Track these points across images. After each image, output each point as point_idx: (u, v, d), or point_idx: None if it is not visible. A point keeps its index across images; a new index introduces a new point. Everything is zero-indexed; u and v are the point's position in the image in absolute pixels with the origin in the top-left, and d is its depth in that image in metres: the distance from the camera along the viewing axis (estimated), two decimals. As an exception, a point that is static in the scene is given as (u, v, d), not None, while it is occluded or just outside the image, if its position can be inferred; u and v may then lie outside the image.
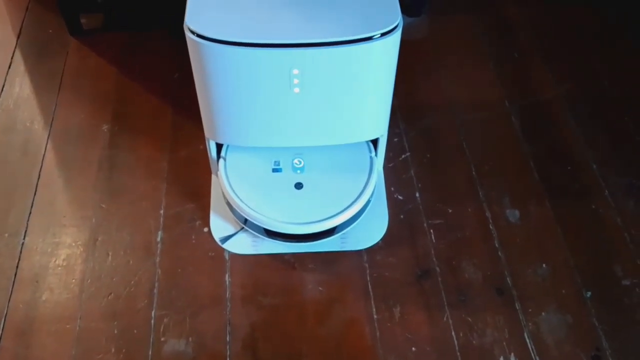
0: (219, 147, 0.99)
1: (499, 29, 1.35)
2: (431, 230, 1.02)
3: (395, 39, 0.81)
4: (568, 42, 1.32)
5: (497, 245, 1.00)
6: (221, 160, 0.98)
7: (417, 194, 1.07)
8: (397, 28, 0.80)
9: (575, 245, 1.00)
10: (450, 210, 1.04)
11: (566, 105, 1.20)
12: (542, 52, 1.30)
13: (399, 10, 0.81)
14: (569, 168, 1.10)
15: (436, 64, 1.28)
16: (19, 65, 1.28)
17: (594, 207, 1.05)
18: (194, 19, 0.79)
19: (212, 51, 0.78)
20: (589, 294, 0.95)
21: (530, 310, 0.93)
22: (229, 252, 0.99)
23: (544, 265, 0.98)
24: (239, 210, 0.94)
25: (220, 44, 0.78)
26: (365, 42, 0.79)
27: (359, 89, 0.85)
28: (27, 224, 1.02)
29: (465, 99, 1.22)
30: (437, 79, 1.26)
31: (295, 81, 0.81)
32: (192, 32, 0.78)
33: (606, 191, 1.07)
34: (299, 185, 0.96)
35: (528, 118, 1.18)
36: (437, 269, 0.97)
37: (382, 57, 0.83)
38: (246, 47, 0.77)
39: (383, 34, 0.79)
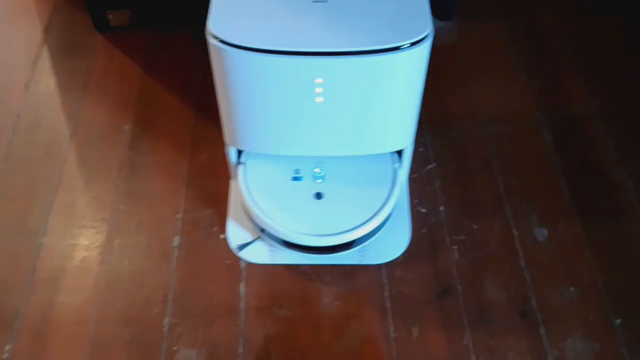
0: (239, 152, 0.97)
1: (532, 37, 1.30)
2: (454, 247, 0.98)
3: (425, 48, 0.78)
4: (604, 54, 1.27)
5: (522, 265, 0.96)
6: (240, 166, 0.96)
7: (441, 208, 1.03)
8: (428, 37, 0.77)
9: (606, 269, 0.96)
10: (475, 226, 1.01)
11: (601, 120, 1.15)
12: (576, 63, 1.25)
13: (429, 18, 0.78)
14: (602, 186, 1.06)
15: (465, 72, 1.24)
16: (46, 61, 1.28)
17: (626, 228, 1.00)
18: (216, 24, 0.77)
19: (235, 57, 0.76)
20: (618, 321, 0.90)
21: (555, 335, 0.89)
22: (245, 260, 0.97)
23: (571, 288, 0.94)
24: (256, 220, 0.92)
25: (242, 50, 0.75)
26: (393, 51, 0.76)
27: (384, 99, 0.82)
28: (47, 223, 1.02)
29: (495, 109, 1.18)
30: (465, 87, 1.22)
31: (318, 90, 0.79)
32: (215, 38, 0.76)
33: (641, 212, 1.02)
34: (319, 195, 0.93)
35: (560, 132, 1.14)
36: (459, 287, 0.94)
37: (411, 68, 0.80)
38: (269, 55, 0.75)
39: (412, 44, 0.76)
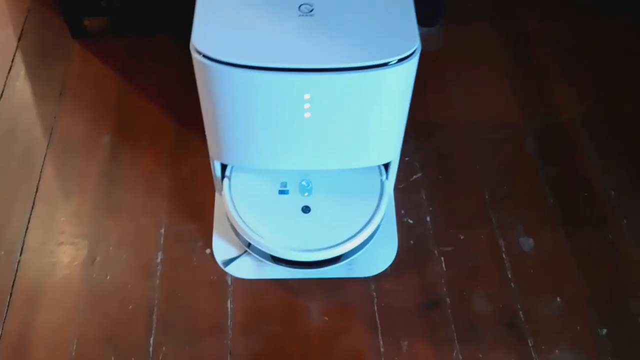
0: (224, 165, 0.95)
1: (517, 43, 1.30)
2: (442, 258, 0.98)
3: (413, 64, 0.77)
4: (591, 59, 1.27)
5: (509, 275, 0.96)
6: (225, 180, 0.94)
7: (428, 218, 1.03)
8: (415, 53, 0.76)
9: (591, 278, 0.96)
10: (461, 237, 1.01)
11: (586, 127, 1.16)
12: (562, 69, 1.25)
13: (417, 34, 0.77)
14: (586, 195, 1.06)
15: (450, 78, 1.24)
16: (20, 69, 1.24)
17: (611, 237, 1.01)
18: (201, 39, 0.75)
19: (220, 74, 0.74)
20: (604, 331, 0.91)
21: (542, 347, 0.89)
22: (231, 276, 0.95)
23: (558, 298, 0.94)
24: (242, 235, 0.91)
25: (228, 67, 0.74)
26: (381, 68, 0.74)
27: (372, 114, 0.81)
28: (24, 240, 0.98)
29: (480, 117, 1.18)
30: (451, 94, 1.22)
31: (306, 106, 0.78)
32: (199, 53, 0.74)
33: (624, 220, 1.03)
34: (306, 209, 0.92)
35: (545, 140, 1.14)
36: (447, 299, 0.94)
37: (398, 83, 0.79)
38: (256, 71, 0.73)
39: (400, 60, 0.75)
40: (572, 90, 1.21)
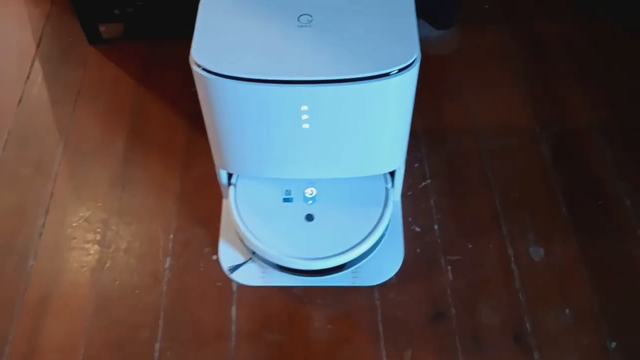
0: (230, 173, 0.96)
1: (532, 46, 1.27)
2: (449, 267, 0.97)
3: (413, 74, 0.76)
4: (607, 63, 1.23)
5: (517, 286, 0.95)
6: (231, 188, 0.95)
7: (436, 226, 1.02)
8: (415, 63, 0.75)
9: (602, 290, 0.94)
10: (470, 246, 0.99)
11: (601, 134, 1.12)
12: (578, 74, 1.22)
13: (417, 43, 0.76)
14: (600, 203, 1.03)
15: (463, 83, 1.22)
16: (38, 75, 1.27)
17: (625, 247, 0.98)
18: (200, 52, 0.76)
19: (218, 86, 0.75)
20: (613, 344, 0.89)
21: (549, 360, 0.88)
22: (237, 282, 0.96)
23: (566, 311, 0.92)
24: (247, 243, 0.91)
25: (227, 79, 0.74)
26: (380, 79, 0.74)
27: (372, 125, 0.81)
28: (37, 245, 1.01)
29: (493, 122, 1.16)
30: (463, 98, 1.19)
31: (304, 117, 0.77)
32: (199, 66, 0.75)
33: (639, 230, 1.00)
34: (309, 217, 0.92)
35: (559, 146, 1.11)
36: (453, 310, 0.93)
37: (398, 93, 0.78)
38: (252, 83, 0.73)
39: (400, 70, 0.74)
40: (587, 95, 1.18)
